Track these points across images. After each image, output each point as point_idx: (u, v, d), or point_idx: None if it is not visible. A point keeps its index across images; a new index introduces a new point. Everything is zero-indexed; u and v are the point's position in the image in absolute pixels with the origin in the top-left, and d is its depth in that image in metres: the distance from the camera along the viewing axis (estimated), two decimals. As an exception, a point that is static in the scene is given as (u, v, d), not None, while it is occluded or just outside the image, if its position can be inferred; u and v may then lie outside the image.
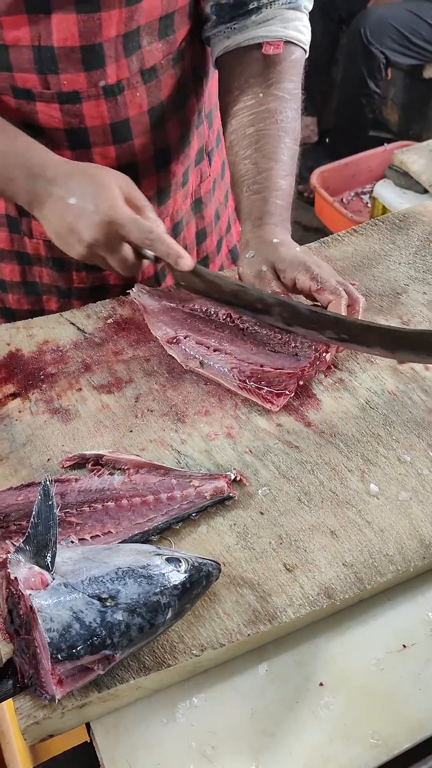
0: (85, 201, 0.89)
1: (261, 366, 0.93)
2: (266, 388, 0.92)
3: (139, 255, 0.94)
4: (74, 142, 1.04)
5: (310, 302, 0.97)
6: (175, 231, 1.23)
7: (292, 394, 0.92)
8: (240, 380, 0.93)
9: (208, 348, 0.97)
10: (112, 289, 1.18)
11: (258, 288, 0.96)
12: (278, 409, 0.91)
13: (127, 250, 0.92)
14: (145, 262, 0.96)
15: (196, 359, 0.97)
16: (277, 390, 0.91)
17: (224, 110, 1.11)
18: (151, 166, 1.12)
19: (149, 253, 0.93)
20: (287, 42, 1.07)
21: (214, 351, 0.97)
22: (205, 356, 0.96)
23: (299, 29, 1.09)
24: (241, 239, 1.04)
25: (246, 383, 0.92)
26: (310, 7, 1.11)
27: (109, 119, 1.03)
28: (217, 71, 1.14)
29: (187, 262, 0.92)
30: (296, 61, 1.09)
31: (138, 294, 1.06)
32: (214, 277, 0.97)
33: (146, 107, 1.06)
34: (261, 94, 1.06)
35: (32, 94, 0.99)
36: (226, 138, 1.11)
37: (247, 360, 0.94)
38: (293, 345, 0.95)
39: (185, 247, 1.23)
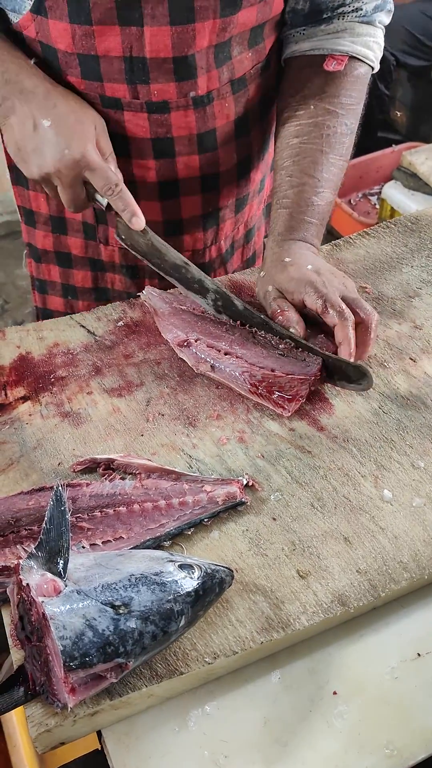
0: (60, 131, 0.89)
1: (272, 370, 0.93)
2: (278, 393, 0.91)
3: (91, 198, 0.96)
4: (159, 151, 1.03)
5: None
6: (247, 237, 1.21)
7: (304, 399, 0.91)
8: (251, 384, 0.92)
9: (219, 351, 0.96)
10: None
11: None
12: (290, 414, 0.90)
13: (83, 190, 0.94)
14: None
15: (207, 363, 0.96)
16: (289, 395, 0.91)
17: (278, 114, 1.09)
18: (233, 175, 1.11)
19: (102, 200, 0.95)
20: (352, 57, 1.05)
21: (225, 354, 0.96)
22: (216, 359, 0.96)
23: (369, 45, 1.06)
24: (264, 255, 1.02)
25: (257, 388, 0.92)
26: (387, 21, 1.08)
27: (196, 129, 1.02)
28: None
29: (140, 221, 0.94)
30: (359, 76, 1.06)
31: (149, 296, 1.05)
32: (161, 245, 0.98)
33: (233, 117, 1.05)
34: (312, 107, 1.04)
35: (120, 103, 0.99)
36: (275, 140, 1.09)
37: (258, 364, 0.94)
38: (300, 350, 0.95)
39: (254, 252, 1.25)
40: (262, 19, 0.99)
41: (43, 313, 1.28)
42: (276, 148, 1.07)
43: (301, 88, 1.05)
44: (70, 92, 0.95)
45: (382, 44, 1.09)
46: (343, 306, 0.92)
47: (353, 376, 0.90)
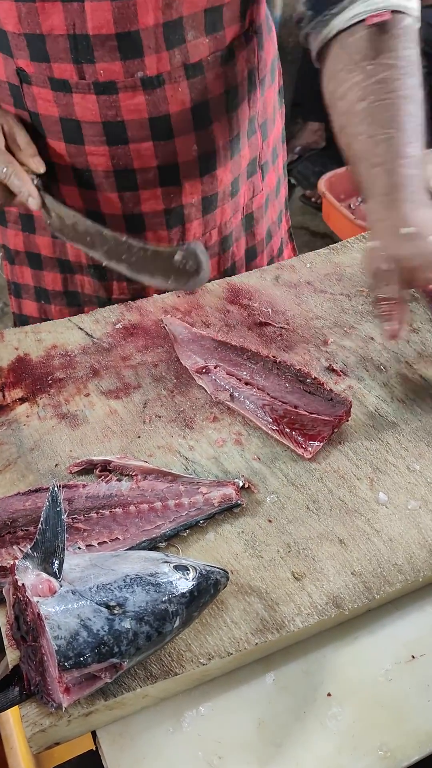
0: None
1: (295, 407, 0.88)
2: (299, 432, 0.87)
3: (9, 191, 1.00)
4: (111, 137, 1.02)
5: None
6: (223, 245, 1.20)
7: (326, 441, 0.87)
8: (272, 419, 0.88)
9: (240, 380, 0.93)
10: (152, 294, 1.16)
11: (377, 284, 0.84)
12: (311, 456, 0.85)
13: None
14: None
15: (227, 391, 0.92)
16: (311, 433, 0.86)
17: (330, 98, 0.98)
18: (195, 170, 1.09)
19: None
20: (393, 11, 0.94)
21: (246, 384, 0.92)
22: (236, 388, 0.92)
23: None
24: (367, 223, 0.90)
25: (278, 423, 0.88)
26: None
27: (147, 113, 1.01)
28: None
29: (35, 202, 1.00)
30: (407, 28, 0.95)
31: (168, 323, 1.03)
32: (73, 217, 1.01)
33: (189, 104, 1.03)
34: (369, 67, 0.93)
35: (69, 84, 0.98)
36: (335, 124, 0.97)
37: (280, 398, 0.89)
38: (329, 388, 0.91)
39: (234, 264, 1.22)
40: (214, 2, 0.97)
41: (19, 319, 1.27)
42: (340, 125, 0.95)
43: (350, 60, 0.95)
44: None
45: None
46: None
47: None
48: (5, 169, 0.97)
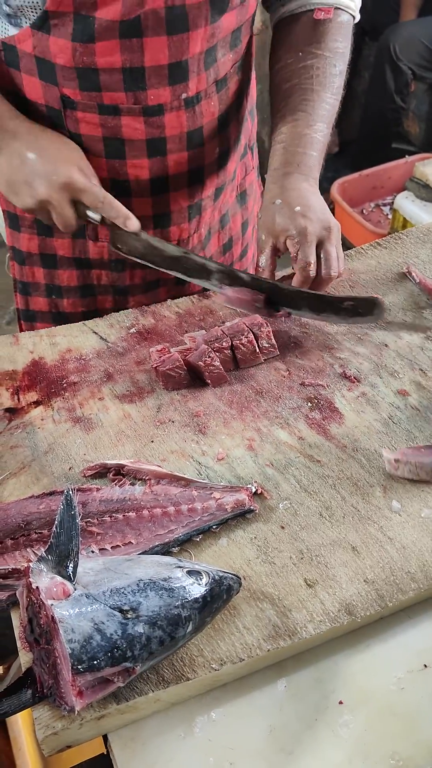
0: (45, 160, 0.97)
1: None
2: None
3: (82, 216, 1.02)
4: (153, 151, 1.08)
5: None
6: (222, 223, 1.26)
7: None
8: None
9: None
10: (165, 283, 1.21)
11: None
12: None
13: (73, 211, 1.00)
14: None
15: None
16: None
17: (270, 70, 1.16)
18: (215, 167, 1.16)
19: (95, 215, 1.01)
20: (336, 8, 1.13)
21: None
22: None
23: None
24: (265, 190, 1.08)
25: None
26: None
27: (186, 128, 1.07)
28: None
29: (134, 222, 1.00)
30: (342, 23, 1.14)
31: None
32: (157, 242, 1.03)
33: (217, 114, 1.10)
34: (300, 53, 1.11)
35: (119, 109, 1.03)
36: (271, 97, 1.15)
37: None
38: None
39: (230, 238, 1.30)
40: (240, 22, 1.05)
41: (25, 315, 1.29)
42: (271, 100, 1.14)
43: (289, 41, 1.13)
44: (47, 128, 1.02)
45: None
46: (311, 260, 1.00)
47: (364, 309, 1.01)
48: (104, 199, 0.99)
